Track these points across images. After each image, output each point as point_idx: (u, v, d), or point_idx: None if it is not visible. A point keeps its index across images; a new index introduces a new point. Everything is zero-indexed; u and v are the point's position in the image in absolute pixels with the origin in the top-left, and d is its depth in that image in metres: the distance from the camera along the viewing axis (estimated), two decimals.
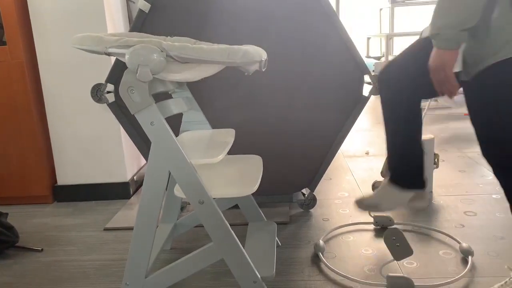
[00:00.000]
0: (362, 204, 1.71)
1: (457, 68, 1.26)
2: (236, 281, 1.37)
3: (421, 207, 1.73)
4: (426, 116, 4.08)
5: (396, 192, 1.59)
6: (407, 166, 1.57)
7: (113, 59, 2.36)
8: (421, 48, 1.40)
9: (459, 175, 2.64)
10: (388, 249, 1.49)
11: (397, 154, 1.58)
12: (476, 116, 1.28)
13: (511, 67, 1.13)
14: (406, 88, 1.45)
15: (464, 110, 4.50)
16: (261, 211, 1.82)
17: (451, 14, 1.15)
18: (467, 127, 3.92)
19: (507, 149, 1.23)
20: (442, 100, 4.36)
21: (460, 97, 4.07)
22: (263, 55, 1.40)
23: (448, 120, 4.24)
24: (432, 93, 1.38)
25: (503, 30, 1.13)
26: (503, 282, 1.40)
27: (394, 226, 1.91)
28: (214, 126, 2.05)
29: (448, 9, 1.15)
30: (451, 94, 1.28)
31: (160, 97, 1.59)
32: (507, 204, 1.38)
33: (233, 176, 1.52)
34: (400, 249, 1.48)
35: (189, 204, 2.30)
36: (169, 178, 1.40)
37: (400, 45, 7.58)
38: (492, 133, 1.25)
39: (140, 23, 2.04)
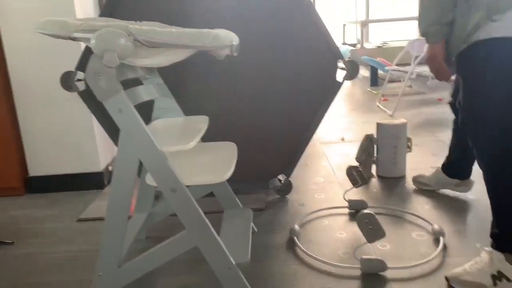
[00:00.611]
0: (418, 181, 2.24)
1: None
2: (211, 268, 1.37)
3: (464, 191, 2.12)
4: (400, 101, 4.13)
5: (445, 178, 2.13)
6: (458, 162, 2.07)
7: (83, 45, 2.29)
8: None
9: (432, 159, 2.68)
10: (361, 232, 1.51)
11: (453, 151, 2.09)
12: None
13: (473, 51, 1.37)
14: None
15: (437, 95, 4.57)
16: (237, 198, 1.81)
17: (431, 14, 1.45)
18: (440, 112, 3.99)
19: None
20: (416, 86, 4.42)
21: (433, 83, 4.12)
22: (234, 39, 1.38)
23: (422, 105, 4.30)
24: None
25: (464, 23, 1.38)
26: (473, 262, 1.43)
27: (368, 209, 1.93)
28: (187, 114, 2.02)
29: (428, 9, 1.45)
30: (446, 79, 1.57)
31: (130, 84, 1.56)
32: (478, 187, 1.45)
33: (206, 163, 1.51)
34: (373, 232, 1.49)
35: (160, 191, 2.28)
36: (142, 166, 1.37)
37: (376, 32, 7.63)
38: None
39: (110, 8, 1.99)
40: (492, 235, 1.42)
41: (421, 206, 2.03)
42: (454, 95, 1.91)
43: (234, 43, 1.37)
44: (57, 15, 2.27)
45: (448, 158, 2.12)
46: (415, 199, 2.12)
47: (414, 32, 6.63)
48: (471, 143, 1.44)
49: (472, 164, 2.05)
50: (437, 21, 1.44)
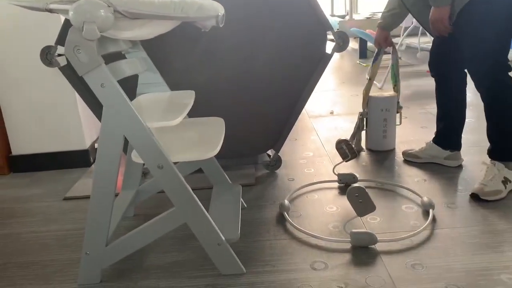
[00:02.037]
0: (407, 153, 2.25)
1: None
2: (201, 244, 1.35)
3: (454, 164, 2.12)
4: (388, 73, 4.10)
5: (437, 150, 2.15)
6: (448, 131, 2.12)
7: (63, 18, 2.21)
8: None
9: (421, 131, 2.68)
10: (352, 206, 1.50)
11: (442, 121, 2.13)
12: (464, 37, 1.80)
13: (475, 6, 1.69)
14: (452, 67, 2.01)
15: (426, 67, 4.55)
16: (227, 174, 1.79)
17: None
18: (428, 84, 3.98)
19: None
20: (405, 57, 4.39)
21: (422, 55, 4.09)
22: (220, 9, 1.33)
23: (411, 78, 4.28)
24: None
25: None
26: (483, 176, 1.83)
27: (357, 183, 1.93)
28: (173, 88, 1.97)
29: None
30: (445, 34, 1.83)
31: (113, 58, 1.50)
32: (467, 157, 2.00)
33: (193, 139, 1.48)
34: (363, 206, 1.49)
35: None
36: (128, 143, 1.34)
37: (365, 3, 7.53)
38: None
39: None
40: (490, 150, 1.84)
41: (411, 179, 2.03)
42: (434, 65, 2.08)
43: (219, 13, 1.32)
44: None
45: (437, 129, 2.17)
46: (405, 172, 2.12)
47: None
48: (473, 77, 1.78)
49: (460, 134, 2.12)
50: None
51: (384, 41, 2.26)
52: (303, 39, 2.01)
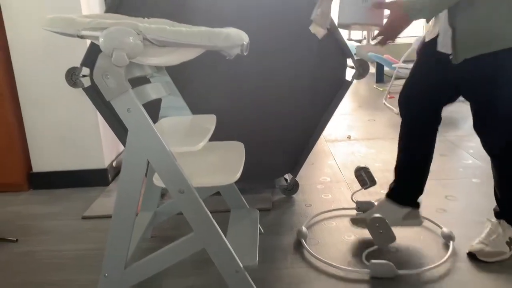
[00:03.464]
0: (357, 220, 1.81)
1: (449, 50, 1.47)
2: (219, 270, 1.35)
3: (415, 224, 1.77)
4: None
5: (393, 208, 1.75)
6: (410, 184, 1.78)
7: (88, 41, 2.26)
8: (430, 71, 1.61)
9: (440, 159, 2.65)
10: (372, 236, 1.48)
11: (405, 171, 1.77)
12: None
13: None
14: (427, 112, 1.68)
15: None
16: (243, 197, 1.79)
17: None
18: (447, 110, 3.94)
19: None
20: None
21: None
22: (245, 38, 1.35)
23: None
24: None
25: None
26: (485, 235, 1.61)
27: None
28: (193, 111, 2.00)
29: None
30: (385, 41, 1.48)
31: (138, 81, 1.53)
32: (486, 189, 1.81)
33: (214, 164, 1.48)
34: (383, 236, 1.47)
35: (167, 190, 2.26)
36: (148, 165, 1.35)
37: None
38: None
39: (116, 4, 1.95)
40: (499, 210, 1.62)
41: (430, 208, 2.00)
42: (405, 104, 1.73)
43: (244, 42, 1.34)
44: (63, 11, 2.24)
45: (395, 182, 1.81)
46: (423, 200, 2.09)
47: (421, 29, 6.57)
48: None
49: (421, 190, 1.79)
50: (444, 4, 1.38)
51: None
52: (323, 65, 2.03)
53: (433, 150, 1.75)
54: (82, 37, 1.18)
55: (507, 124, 1.46)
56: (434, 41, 1.55)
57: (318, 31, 1.54)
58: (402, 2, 1.39)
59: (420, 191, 1.78)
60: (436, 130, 1.72)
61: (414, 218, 1.75)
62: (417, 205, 1.77)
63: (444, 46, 1.50)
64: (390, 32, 1.43)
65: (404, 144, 1.75)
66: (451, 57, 1.46)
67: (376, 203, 1.98)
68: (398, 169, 1.78)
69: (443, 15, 1.48)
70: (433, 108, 1.67)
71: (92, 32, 1.15)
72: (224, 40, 1.21)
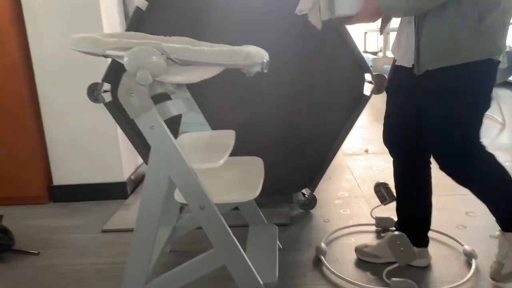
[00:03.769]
0: (362, 252, 1.74)
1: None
2: (239, 287, 1.34)
3: (422, 264, 1.67)
4: None
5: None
6: (416, 224, 1.69)
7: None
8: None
9: None
10: (392, 253, 1.47)
11: (406, 216, 1.71)
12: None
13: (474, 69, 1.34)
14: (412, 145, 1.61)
15: None
16: (261, 212, 1.79)
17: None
18: None
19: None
20: None
21: None
22: (265, 56, 1.36)
23: None
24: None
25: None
26: (497, 253, 1.52)
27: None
28: (212, 126, 2.01)
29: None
30: (349, 23, 1.47)
31: (159, 98, 1.55)
32: None
33: (234, 180, 1.49)
34: (404, 254, 1.45)
35: (186, 205, 2.27)
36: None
37: None
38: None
39: (137, 21, 1.99)
40: (499, 222, 1.54)
41: (450, 224, 1.98)
42: (393, 144, 1.68)
43: (264, 60, 1.36)
44: (84, 29, 2.29)
45: (398, 220, 1.76)
46: (443, 216, 2.06)
47: None
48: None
49: (428, 226, 1.70)
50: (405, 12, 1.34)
51: None
52: (341, 80, 2.04)
53: (431, 182, 1.69)
54: (107, 56, 1.21)
55: (460, 139, 1.43)
56: (395, 73, 1.58)
57: (317, 22, 1.50)
58: None
59: (426, 228, 1.69)
60: (428, 162, 1.66)
61: (421, 256, 1.65)
62: (425, 243, 1.68)
63: (405, 60, 1.48)
64: (358, 18, 1.39)
65: (400, 188, 1.71)
66: (414, 70, 1.42)
67: (395, 219, 1.97)
68: (399, 214, 1.74)
69: (405, 31, 1.46)
70: (415, 140, 1.59)
71: (117, 52, 1.17)
72: (245, 59, 1.23)
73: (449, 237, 1.85)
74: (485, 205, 1.54)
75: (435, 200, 2.24)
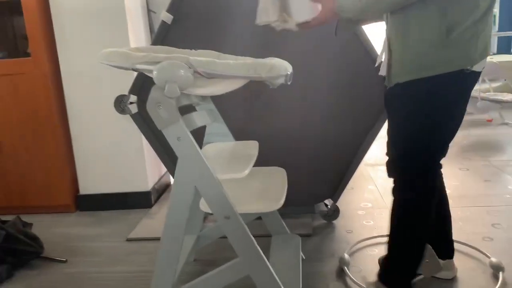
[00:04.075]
0: None
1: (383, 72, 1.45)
2: None
3: (448, 277, 1.62)
4: None
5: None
6: (436, 235, 1.59)
7: None
8: None
9: (484, 185, 2.58)
10: None
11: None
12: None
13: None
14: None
15: (486, 116, 4.41)
16: (284, 222, 1.80)
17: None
18: (490, 133, 3.85)
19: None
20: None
21: (482, 104, 3.98)
22: (289, 68, 1.39)
23: (470, 127, 4.16)
24: None
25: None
26: None
27: None
28: (235, 137, 2.04)
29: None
30: (308, 28, 1.43)
31: (184, 110, 1.59)
32: None
33: (258, 191, 1.51)
34: (429, 265, 1.44)
35: (210, 214, 2.29)
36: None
37: None
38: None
39: (162, 34, 2.05)
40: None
41: (476, 236, 1.95)
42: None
43: (288, 72, 1.38)
44: (112, 42, 2.36)
45: None
46: (469, 228, 2.04)
47: None
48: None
49: (451, 237, 1.66)
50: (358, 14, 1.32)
51: None
52: (364, 90, 2.04)
53: (444, 191, 1.62)
54: (136, 70, 1.25)
55: (411, 153, 1.40)
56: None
57: (291, 25, 1.49)
58: None
59: (447, 239, 1.64)
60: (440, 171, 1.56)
61: (447, 269, 1.61)
62: (449, 255, 1.63)
63: (383, 72, 1.47)
64: (316, 22, 1.39)
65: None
66: (385, 82, 1.43)
67: None
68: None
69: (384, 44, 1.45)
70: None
71: (146, 66, 1.21)
72: (269, 71, 1.25)
73: (475, 249, 1.82)
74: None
75: (460, 211, 2.23)
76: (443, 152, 1.43)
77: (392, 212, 1.48)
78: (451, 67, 1.28)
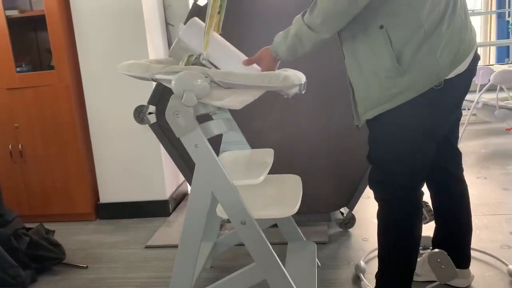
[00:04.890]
0: None
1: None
2: None
3: (463, 285, 1.63)
4: (465, 131, 3.98)
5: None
6: (453, 243, 1.61)
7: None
8: None
9: (503, 193, 2.56)
10: (433, 271, 1.46)
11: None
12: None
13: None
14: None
15: (505, 125, 4.36)
16: (300, 230, 1.82)
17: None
18: (509, 142, 3.81)
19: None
20: (481, 115, 4.25)
21: (500, 113, 3.92)
22: (302, 78, 1.42)
23: (489, 135, 4.12)
24: None
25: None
26: None
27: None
28: (252, 145, 2.08)
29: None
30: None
31: (201, 118, 1.64)
32: None
33: (273, 197, 1.54)
34: (444, 271, 1.44)
35: (228, 221, 2.33)
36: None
37: None
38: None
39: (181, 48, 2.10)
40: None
41: (494, 244, 1.94)
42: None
43: (302, 82, 1.42)
44: (132, 53, 2.44)
45: (434, 239, 1.72)
46: (487, 236, 2.02)
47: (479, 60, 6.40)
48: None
49: (469, 246, 1.65)
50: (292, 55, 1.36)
51: None
52: None
53: (465, 197, 1.63)
54: (155, 80, 1.31)
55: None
56: None
57: None
58: (269, 49, 1.42)
59: (465, 247, 1.63)
60: (455, 176, 1.61)
61: (462, 277, 1.60)
62: (465, 264, 1.63)
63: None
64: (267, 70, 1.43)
65: (435, 205, 1.67)
66: (355, 122, 1.44)
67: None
68: (436, 229, 1.69)
69: None
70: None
71: (165, 76, 1.27)
72: (283, 81, 1.29)
73: (493, 257, 1.81)
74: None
75: (477, 219, 2.21)
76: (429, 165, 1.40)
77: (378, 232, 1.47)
78: (418, 90, 1.25)
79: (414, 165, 1.36)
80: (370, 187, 1.48)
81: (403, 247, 1.42)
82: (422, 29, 1.21)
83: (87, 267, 2.04)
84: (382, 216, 1.44)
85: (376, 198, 1.45)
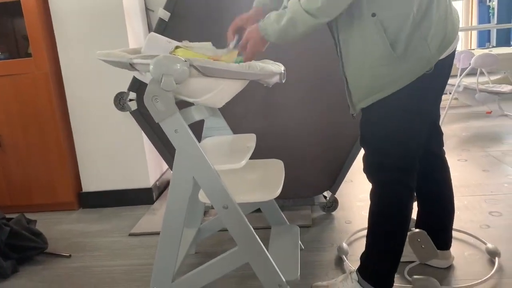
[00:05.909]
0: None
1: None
2: (261, 284, 1.39)
3: (443, 266, 1.65)
4: (447, 115, 4.03)
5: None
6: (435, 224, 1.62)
7: None
8: None
9: (483, 175, 2.60)
10: (413, 251, 1.49)
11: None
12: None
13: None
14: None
15: (485, 108, 4.43)
16: (283, 214, 1.83)
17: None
18: (489, 125, 3.87)
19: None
20: (462, 98, 4.31)
21: (481, 96, 3.99)
22: (281, 67, 1.43)
23: (469, 119, 4.18)
24: None
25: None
26: None
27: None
28: (234, 131, 2.07)
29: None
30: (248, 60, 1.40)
31: (182, 104, 1.62)
32: None
33: (255, 181, 1.54)
34: (425, 251, 1.47)
35: (212, 208, 2.33)
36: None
37: None
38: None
39: (160, 32, 2.08)
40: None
41: (473, 224, 1.98)
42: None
43: (282, 70, 1.42)
44: (111, 40, 2.40)
45: (417, 219, 1.70)
46: (467, 216, 2.06)
47: (460, 43, 6.47)
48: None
49: (450, 229, 1.66)
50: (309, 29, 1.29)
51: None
52: None
53: (449, 177, 1.64)
54: (133, 65, 1.29)
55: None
56: None
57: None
58: (257, 27, 1.36)
59: (446, 228, 1.64)
60: (438, 155, 1.62)
61: (442, 258, 1.63)
62: (446, 246, 1.64)
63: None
64: (250, 53, 1.40)
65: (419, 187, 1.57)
66: (350, 111, 1.44)
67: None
68: (418, 213, 1.68)
69: None
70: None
71: (143, 60, 1.25)
72: (262, 69, 1.29)
73: (472, 236, 1.85)
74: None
75: (458, 200, 2.24)
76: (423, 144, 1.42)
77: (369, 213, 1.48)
78: (411, 77, 1.26)
79: (410, 147, 1.37)
80: (365, 171, 1.47)
81: (396, 226, 1.42)
82: (413, 15, 1.22)
83: (70, 256, 2.02)
84: (377, 196, 1.44)
85: (372, 180, 1.45)
